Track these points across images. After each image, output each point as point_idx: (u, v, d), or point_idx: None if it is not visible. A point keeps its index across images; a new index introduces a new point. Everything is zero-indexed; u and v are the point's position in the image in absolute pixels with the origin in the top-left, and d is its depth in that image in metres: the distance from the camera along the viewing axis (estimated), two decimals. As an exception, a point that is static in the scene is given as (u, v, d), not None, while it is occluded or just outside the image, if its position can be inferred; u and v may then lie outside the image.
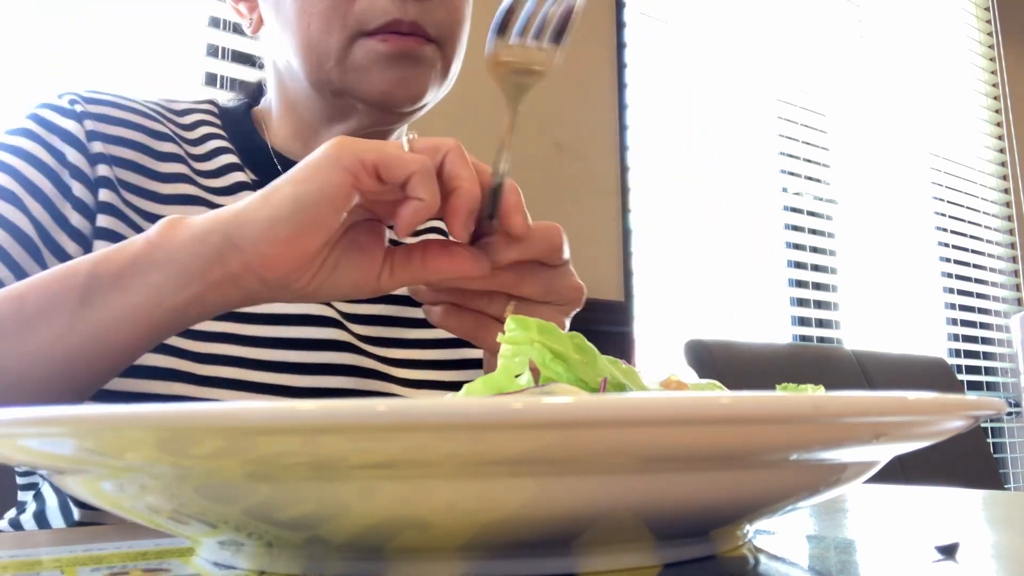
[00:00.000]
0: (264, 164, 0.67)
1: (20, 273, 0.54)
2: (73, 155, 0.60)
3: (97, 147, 0.60)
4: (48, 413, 0.21)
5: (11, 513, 0.64)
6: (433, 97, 0.64)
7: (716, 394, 0.24)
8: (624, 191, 1.93)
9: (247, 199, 0.43)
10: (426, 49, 0.60)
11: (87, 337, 0.44)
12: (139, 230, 0.59)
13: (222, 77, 1.47)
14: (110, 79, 1.33)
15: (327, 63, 0.60)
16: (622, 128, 1.96)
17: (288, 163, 0.67)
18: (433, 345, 0.68)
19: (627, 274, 1.89)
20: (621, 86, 1.98)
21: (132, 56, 1.38)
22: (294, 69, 0.63)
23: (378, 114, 0.63)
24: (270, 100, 0.70)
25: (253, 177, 0.66)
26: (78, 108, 0.62)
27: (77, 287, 0.45)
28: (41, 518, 0.60)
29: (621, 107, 1.97)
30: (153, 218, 0.60)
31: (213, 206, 0.63)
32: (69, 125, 0.61)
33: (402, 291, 0.66)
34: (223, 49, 1.49)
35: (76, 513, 0.58)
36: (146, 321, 0.44)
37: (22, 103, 1.22)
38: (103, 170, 0.60)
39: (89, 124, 0.61)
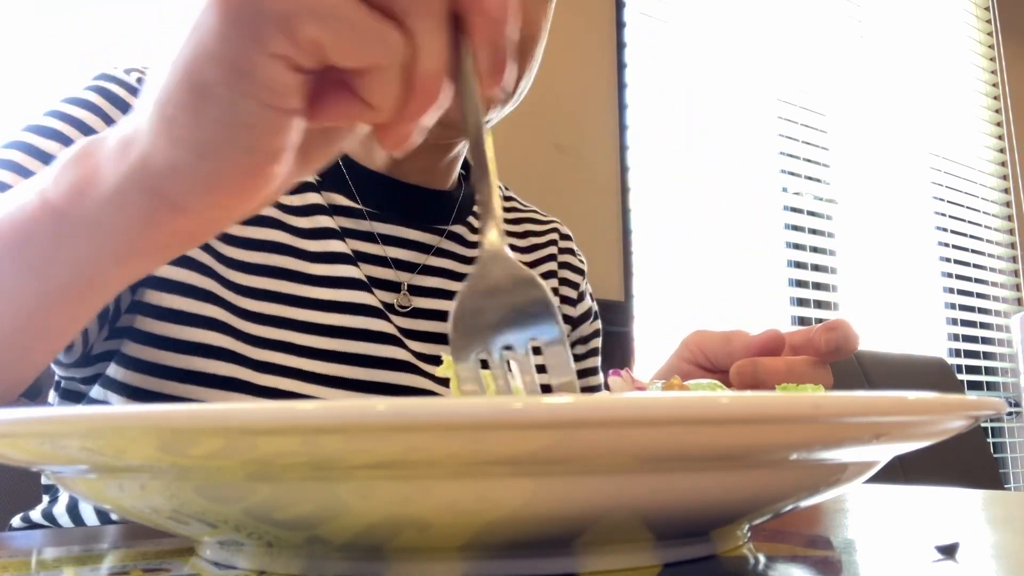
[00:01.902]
0: (329, 163, 0.65)
1: None
2: None
3: None
4: (48, 413, 0.21)
5: (43, 503, 0.63)
6: (496, 115, 0.62)
7: (716, 394, 0.24)
8: (624, 191, 1.93)
9: (142, 116, 0.31)
10: None
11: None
12: None
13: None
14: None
15: None
16: (622, 128, 1.96)
17: (351, 164, 0.65)
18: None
19: (627, 274, 1.89)
20: (621, 86, 1.98)
21: (132, 56, 1.38)
22: None
23: (436, 129, 0.60)
24: None
25: (317, 177, 0.63)
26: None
27: None
28: (74, 512, 0.59)
29: (621, 107, 1.97)
30: None
31: (279, 206, 0.61)
32: (134, 103, 0.57)
33: None
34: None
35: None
36: (70, 303, 0.37)
37: (21, 106, 1.22)
38: None
39: None
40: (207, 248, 0.57)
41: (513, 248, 0.75)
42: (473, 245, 0.70)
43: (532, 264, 0.75)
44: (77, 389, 0.59)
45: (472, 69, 0.31)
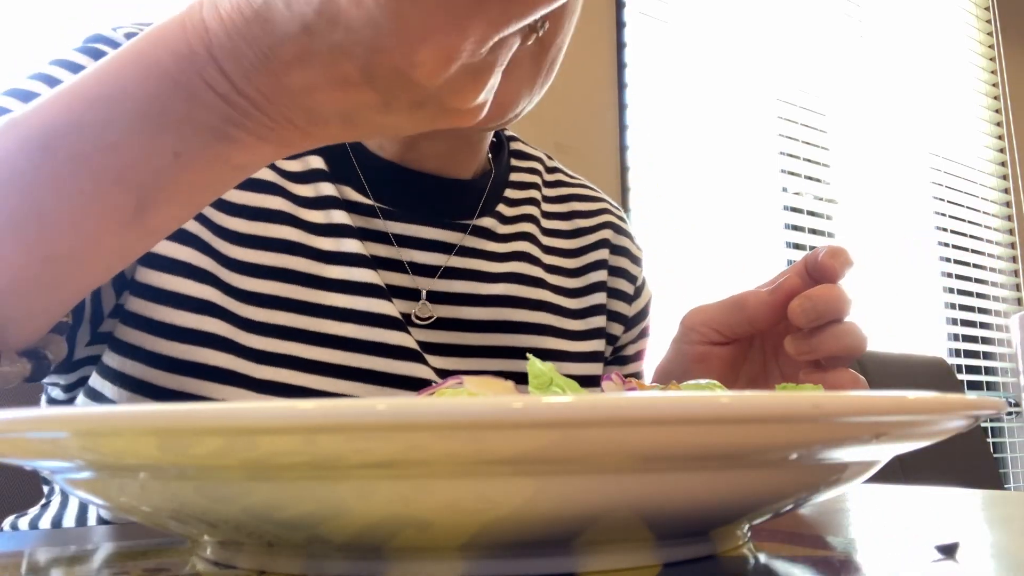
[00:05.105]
0: (336, 150, 0.58)
1: None
2: None
3: None
4: (49, 413, 0.21)
5: (34, 511, 0.61)
6: (527, 103, 0.54)
7: (716, 394, 0.24)
8: (624, 191, 1.93)
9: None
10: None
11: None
12: (203, 220, 0.52)
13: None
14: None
15: None
16: (622, 128, 1.96)
17: (360, 152, 0.58)
18: (525, 380, 0.61)
19: (627, 274, 1.90)
20: (621, 86, 1.98)
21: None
22: None
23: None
24: None
25: (324, 166, 0.57)
26: None
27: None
28: (58, 526, 0.57)
29: (621, 107, 1.97)
30: (222, 204, 0.53)
31: (284, 192, 0.55)
32: None
33: (492, 316, 0.59)
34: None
35: (93, 521, 0.55)
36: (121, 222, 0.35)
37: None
38: None
39: None
40: (207, 249, 0.52)
41: (557, 233, 0.67)
42: (503, 239, 0.62)
43: (578, 252, 0.67)
44: (60, 397, 0.56)
45: None
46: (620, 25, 2.01)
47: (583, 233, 0.68)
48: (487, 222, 0.62)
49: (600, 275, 0.67)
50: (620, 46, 2.00)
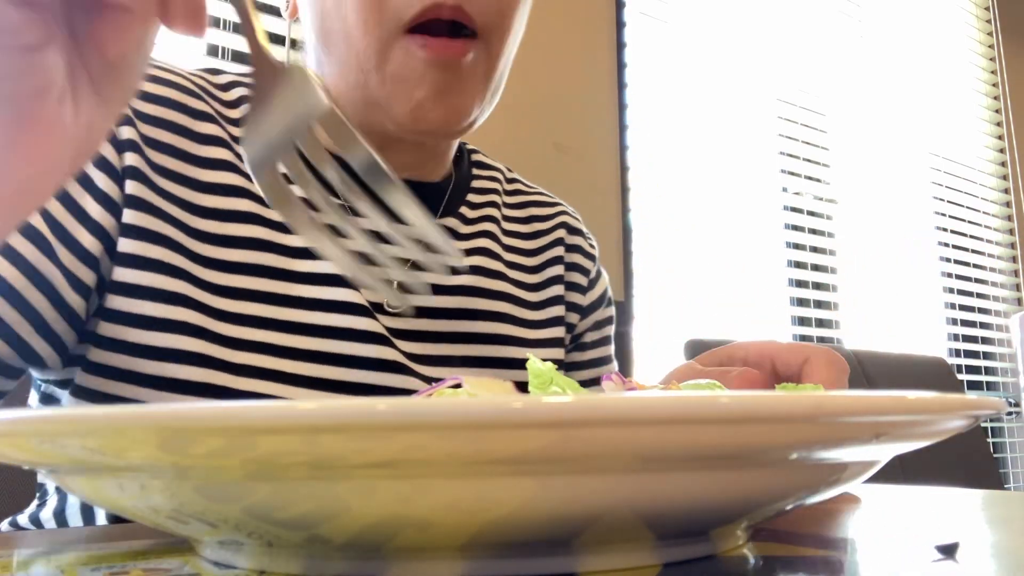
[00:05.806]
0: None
1: (32, 272, 0.50)
2: None
3: (126, 132, 0.54)
4: (49, 413, 0.21)
5: (31, 507, 0.61)
6: (479, 113, 0.60)
7: (716, 394, 0.24)
8: (624, 191, 1.93)
9: None
10: (467, 60, 0.56)
11: None
12: (175, 223, 0.55)
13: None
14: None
15: (367, 64, 0.56)
16: (622, 128, 1.96)
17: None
18: (487, 364, 0.64)
19: (627, 274, 1.90)
20: (621, 86, 1.98)
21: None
22: (330, 67, 0.59)
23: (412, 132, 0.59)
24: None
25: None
26: None
27: None
28: (61, 516, 0.58)
29: (621, 107, 1.97)
30: (193, 208, 0.56)
31: (251, 195, 0.58)
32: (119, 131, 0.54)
33: (455, 304, 0.64)
34: (223, 49, 1.49)
35: (101, 514, 0.56)
36: None
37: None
38: (131, 159, 0.54)
39: None
40: (179, 248, 0.54)
41: (516, 234, 0.72)
42: (466, 237, 0.68)
43: (536, 251, 0.72)
44: (53, 393, 0.57)
45: None
46: (620, 25, 2.01)
47: (541, 235, 0.74)
48: (451, 222, 0.67)
49: (557, 270, 0.73)
50: (620, 46, 2.00)
